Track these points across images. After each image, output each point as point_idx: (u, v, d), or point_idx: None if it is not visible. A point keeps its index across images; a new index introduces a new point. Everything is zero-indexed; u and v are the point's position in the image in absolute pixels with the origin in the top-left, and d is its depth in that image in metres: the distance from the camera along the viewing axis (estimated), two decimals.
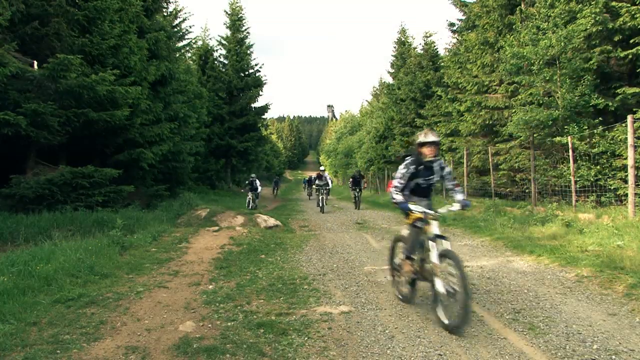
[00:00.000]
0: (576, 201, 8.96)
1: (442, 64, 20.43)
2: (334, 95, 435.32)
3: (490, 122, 14.15)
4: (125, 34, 11.13)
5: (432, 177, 4.08)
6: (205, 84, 24.62)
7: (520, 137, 11.27)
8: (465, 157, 14.61)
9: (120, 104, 10.37)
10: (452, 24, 18.72)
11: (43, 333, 3.43)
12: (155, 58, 13.85)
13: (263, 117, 29.90)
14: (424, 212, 3.83)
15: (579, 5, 9.96)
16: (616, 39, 9.61)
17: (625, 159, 7.77)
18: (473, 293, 4.38)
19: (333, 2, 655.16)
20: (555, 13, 10.16)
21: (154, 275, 5.45)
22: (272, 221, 10.63)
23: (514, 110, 11.88)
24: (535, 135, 10.77)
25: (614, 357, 2.94)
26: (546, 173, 10.43)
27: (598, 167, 9.22)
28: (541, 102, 10.83)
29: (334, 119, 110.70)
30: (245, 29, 28.60)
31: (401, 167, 4.05)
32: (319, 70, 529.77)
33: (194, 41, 25.58)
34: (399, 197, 3.95)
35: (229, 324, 3.70)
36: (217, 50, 28.29)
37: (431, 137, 3.90)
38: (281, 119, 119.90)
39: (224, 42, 28.11)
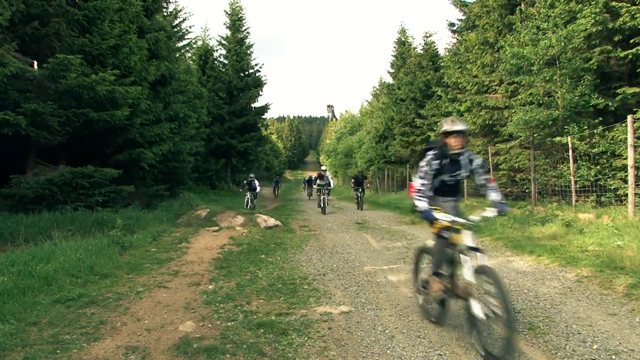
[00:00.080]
0: (576, 201, 8.95)
1: (442, 64, 20.45)
2: (334, 95, 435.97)
3: (490, 122, 14.14)
4: (125, 34, 11.13)
5: (459, 172, 3.51)
6: (205, 84, 24.61)
7: (520, 137, 11.27)
8: None
9: (120, 104, 10.37)
10: (452, 24, 18.72)
11: (43, 333, 3.43)
12: (155, 58, 13.84)
13: (263, 117, 29.89)
14: (453, 220, 3.29)
15: (579, 5, 9.95)
16: (616, 39, 9.61)
17: (625, 159, 7.77)
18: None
19: (333, 2, 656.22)
20: (555, 13, 10.15)
21: (154, 275, 5.46)
22: (272, 221, 10.63)
23: (514, 110, 11.88)
24: (535, 135, 10.77)
25: (614, 357, 2.94)
26: (546, 173, 10.43)
27: (598, 167, 9.22)
28: (541, 102, 10.83)
29: (334, 119, 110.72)
30: (245, 29, 28.60)
31: (422, 164, 3.49)
32: (319, 70, 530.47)
33: (194, 41, 25.59)
34: (422, 205, 3.34)
35: (229, 324, 3.70)
36: (217, 50, 28.31)
37: (459, 126, 3.36)
38: (281, 119, 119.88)
39: (224, 42, 28.10)
